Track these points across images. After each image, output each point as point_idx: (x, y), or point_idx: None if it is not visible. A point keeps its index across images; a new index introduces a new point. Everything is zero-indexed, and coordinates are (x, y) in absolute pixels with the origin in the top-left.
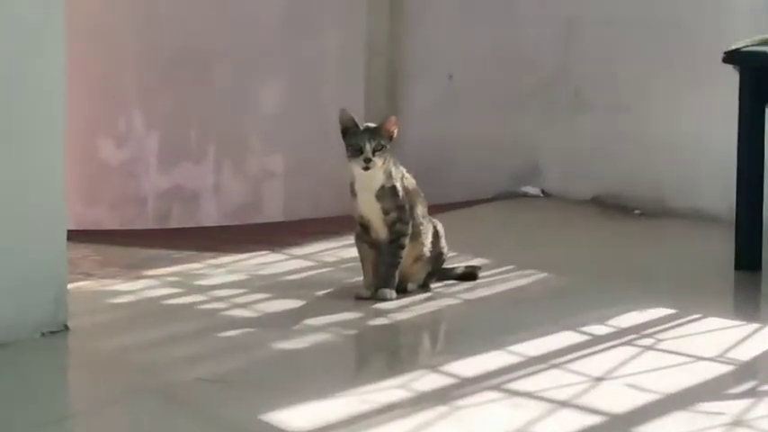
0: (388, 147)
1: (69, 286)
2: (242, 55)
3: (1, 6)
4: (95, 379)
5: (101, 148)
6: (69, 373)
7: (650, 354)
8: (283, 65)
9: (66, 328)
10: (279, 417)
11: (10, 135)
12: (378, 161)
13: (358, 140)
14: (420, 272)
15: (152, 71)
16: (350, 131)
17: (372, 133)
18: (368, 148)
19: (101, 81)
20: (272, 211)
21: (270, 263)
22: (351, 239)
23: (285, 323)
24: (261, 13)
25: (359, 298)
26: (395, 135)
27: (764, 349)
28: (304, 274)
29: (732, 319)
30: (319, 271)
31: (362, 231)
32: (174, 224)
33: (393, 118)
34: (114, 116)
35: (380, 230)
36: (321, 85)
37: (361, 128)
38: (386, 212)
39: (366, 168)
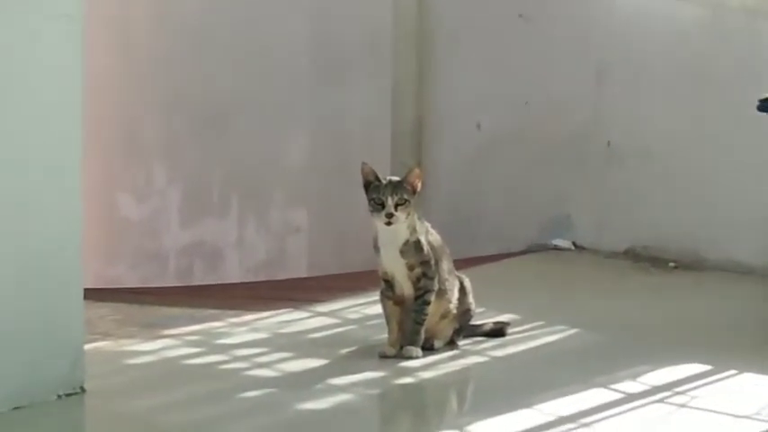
0: (412, 200)
1: (86, 347)
2: (266, 106)
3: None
4: None
5: (120, 203)
6: None
7: (684, 412)
8: (308, 117)
9: (83, 389)
10: None
11: (26, 193)
12: (401, 215)
13: (380, 194)
14: (447, 329)
15: (174, 123)
16: (372, 185)
17: (395, 187)
18: (390, 202)
19: (120, 134)
20: (296, 267)
21: (293, 320)
22: (376, 296)
23: (308, 383)
24: (286, 64)
25: (384, 356)
26: (419, 188)
27: None
28: (328, 332)
29: None
30: (343, 328)
31: (387, 287)
32: (195, 281)
33: (416, 171)
34: (134, 170)
35: (405, 286)
36: (346, 138)
37: (384, 181)
38: (410, 268)
39: (388, 223)
